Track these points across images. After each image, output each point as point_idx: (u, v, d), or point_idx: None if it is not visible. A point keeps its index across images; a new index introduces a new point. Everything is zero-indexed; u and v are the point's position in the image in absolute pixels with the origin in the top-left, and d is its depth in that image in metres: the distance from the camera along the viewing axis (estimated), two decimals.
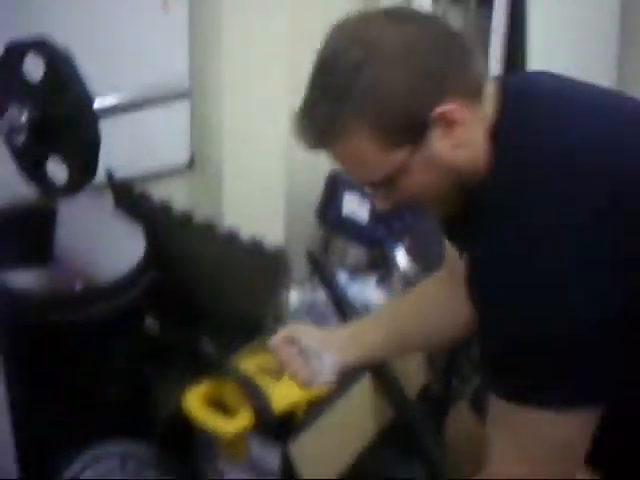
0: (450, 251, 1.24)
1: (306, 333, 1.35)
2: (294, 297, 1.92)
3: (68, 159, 1.35)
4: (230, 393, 1.68)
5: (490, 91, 1.00)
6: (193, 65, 2.21)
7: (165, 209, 1.79)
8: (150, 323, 2.16)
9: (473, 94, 0.97)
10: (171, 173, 2.24)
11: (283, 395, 1.59)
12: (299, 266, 1.98)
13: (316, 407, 1.67)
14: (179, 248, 1.80)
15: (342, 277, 1.97)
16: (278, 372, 1.73)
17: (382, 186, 1.01)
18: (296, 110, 0.99)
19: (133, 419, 1.89)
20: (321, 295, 1.92)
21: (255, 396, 1.62)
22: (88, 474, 1.65)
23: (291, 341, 1.32)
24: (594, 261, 0.88)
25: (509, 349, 0.93)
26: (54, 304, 1.61)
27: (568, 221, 0.90)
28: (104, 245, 1.81)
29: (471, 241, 1.01)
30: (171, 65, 2.17)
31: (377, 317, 1.40)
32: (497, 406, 0.98)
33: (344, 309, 1.85)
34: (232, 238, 1.70)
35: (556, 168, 0.93)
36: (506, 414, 0.97)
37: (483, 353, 0.99)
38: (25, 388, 1.67)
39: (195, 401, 1.64)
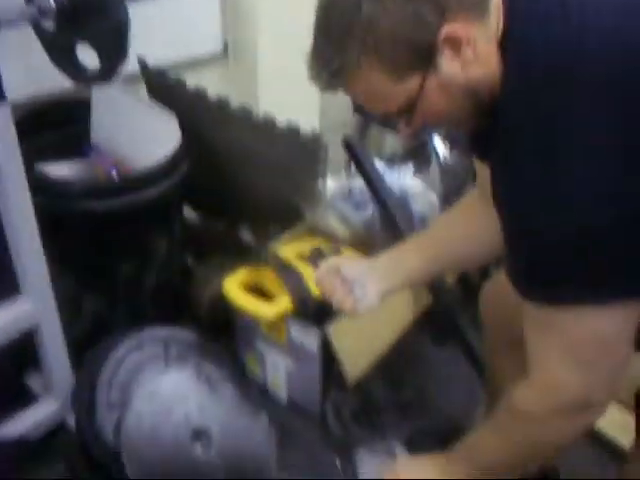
0: (480, 168, 1.23)
1: (348, 264, 1.35)
2: (331, 185, 1.91)
3: (98, 44, 1.32)
4: (269, 280, 1.71)
5: (495, 2, 0.96)
6: None
7: (200, 96, 1.77)
8: (189, 214, 2.19)
9: (477, 9, 0.94)
10: (205, 61, 2.20)
11: None
12: (336, 154, 1.96)
13: None
14: (215, 136, 1.79)
15: (379, 166, 1.94)
16: (318, 257, 1.76)
17: (401, 115, 1.02)
18: (307, 55, 0.99)
19: (176, 306, 1.93)
20: (358, 183, 1.90)
21: (294, 282, 1.65)
22: (133, 357, 1.70)
23: (334, 272, 1.33)
24: (603, 156, 0.86)
25: (533, 252, 0.94)
26: (93, 193, 1.62)
27: (578, 125, 0.87)
28: (140, 135, 1.81)
29: (491, 152, 1.01)
30: None
31: (415, 242, 1.40)
32: (533, 313, 0.99)
33: (382, 196, 1.83)
34: (268, 125, 1.68)
35: (566, 70, 0.90)
36: (544, 320, 0.98)
37: (510, 262, 0.99)
38: (70, 278, 1.72)
39: (235, 286, 1.67)
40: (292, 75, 2.19)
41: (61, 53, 1.42)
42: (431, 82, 0.96)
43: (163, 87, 1.86)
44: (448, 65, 0.95)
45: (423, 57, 0.95)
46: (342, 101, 1.33)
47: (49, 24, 1.31)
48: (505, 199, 0.98)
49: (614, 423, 1.70)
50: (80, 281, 1.73)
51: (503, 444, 1.11)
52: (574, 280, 0.92)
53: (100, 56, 1.34)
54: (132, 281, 1.77)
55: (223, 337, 1.90)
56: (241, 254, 1.91)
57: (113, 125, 1.85)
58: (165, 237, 1.83)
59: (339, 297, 1.31)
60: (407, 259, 1.34)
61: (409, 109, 1.00)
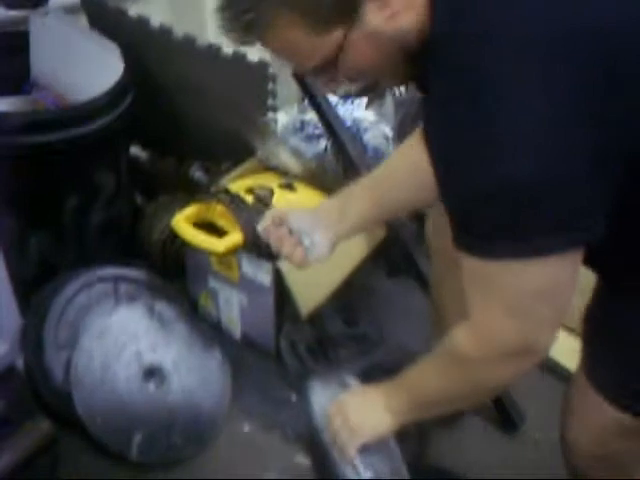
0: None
1: (293, 214, 1.32)
2: (282, 118, 1.87)
3: None
4: (219, 216, 1.67)
5: None
6: None
7: (143, 25, 1.69)
8: (139, 153, 2.13)
9: None
10: None
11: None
12: (288, 88, 1.91)
13: None
14: (159, 67, 1.73)
15: (332, 99, 1.90)
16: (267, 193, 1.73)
17: (322, 71, 0.95)
18: (216, 5, 0.90)
19: (125, 245, 1.89)
20: (310, 116, 1.86)
21: (244, 216, 1.61)
22: (81, 297, 1.66)
23: (280, 223, 1.30)
24: (532, 110, 0.82)
25: (462, 203, 0.90)
26: (33, 126, 1.55)
27: (508, 69, 0.83)
28: (81, 67, 1.74)
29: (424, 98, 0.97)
30: None
31: (362, 187, 1.36)
32: (469, 264, 0.96)
33: (334, 128, 1.79)
34: (213, 53, 1.62)
35: (493, 14, 0.85)
36: (480, 272, 0.95)
37: (445, 209, 0.96)
38: (14, 216, 1.66)
39: (184, 222, 1.63)
40: None
41: None
42: (354, 36, 0.90)
43: (104, 17, 1.78)
44: (373, 17, 0.88)
45: (345, 10, 0.88)
46: None
47: None
48: (432, 145, 0.94)
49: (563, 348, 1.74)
50: (25, 220, 1.67)
51: (443, 383, 1.11)
52: (507, 234, 0.89)
53: None
54: (78, 219, 1.71)
55: (174, 276, 1.87)
56: (192, 192, 1.87)
57: (53, 57, 1.77)
58: (111, 173, 1.77)
59: (288, 249, 1.27)
60: (354, 205, 1.30)
61: (330, 65, 0.93)
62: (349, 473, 1.20)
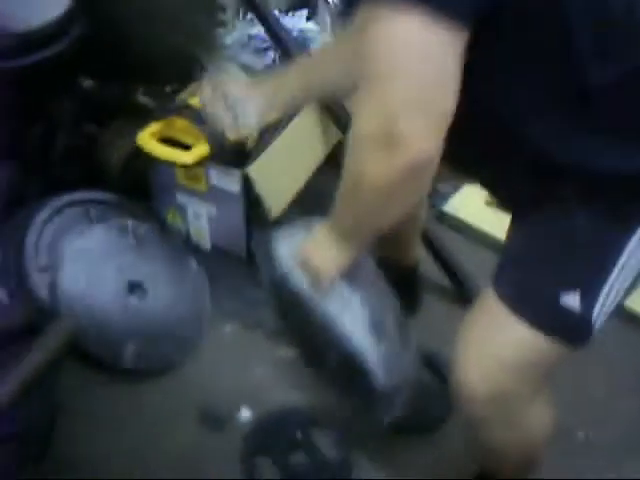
0: None
1: (231, 84, 1.38)
2: (229, 34, 1.91)
3: None
4: (181, 131, 1.72)
5: None
6: None
7: None
8: (87, 84, 2.13)
9: None
10: None
11: None
12: (231, 4, 1.95)
13: (266, 134, 1.75)
14: None
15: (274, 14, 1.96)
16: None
17: None
18: None
19: (85, 172, 1.92)
20: (256, 30, 1.91)
21: (208, 127, 1.67)
22: (55, 221, 1.71)
23: (219, 92, 1.38)
24: None
25: None
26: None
27: None
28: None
29: None
30: None
31: (293, 69, 1.43)
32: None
33: (282, 40, 1.85)
34: None
35: None
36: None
37: None
38: None
39: (150, 139, 1.68)
40: None
41: None
42: None
43: None
44: None
45: None
46: None
47: None
48: None
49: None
50: None
51: (342, 204, 1.09)
52: None
53: None
54: (42, 148, 1.74)
55: (136, 198, 1.91)
56: (140, 116, 1.90)
57: None
58: (68, 102, 1.79)
59: (221, 115, 1.36)
60: (289, 80, 1.39)
61: None
62: (332, 306, 1.20)
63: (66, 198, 1.75)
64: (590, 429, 1.62)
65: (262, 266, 1.35)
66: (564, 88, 1.00)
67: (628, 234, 1.08)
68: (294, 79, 1.39)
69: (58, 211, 1.73)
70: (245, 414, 1.59)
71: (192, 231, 1.88)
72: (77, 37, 1.68)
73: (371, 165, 0.97)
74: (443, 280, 1.90)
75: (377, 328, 1.20)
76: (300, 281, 1.22)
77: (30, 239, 1.65)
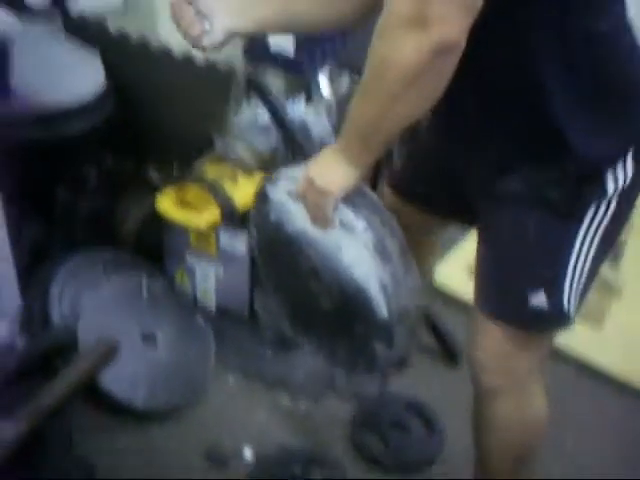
0: None
1: None
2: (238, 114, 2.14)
3: None
4: (195, 196, 1.93)
5: None
6: None
7: (122, 38, 1.94)
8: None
9: None
10: None
11: (242, 194, 1.87)
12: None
13: None
14: (134, 75, 1.97)
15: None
16: (234, 177, 2.00)
17: None
18: None
19: (104, 233, 2.10)
20: (261, 112, 2.14)
21: (220, 194, 1.88)
22: (78, 275, 1.87)
23: (189, 3, 1.38)
24: None
25: None
26: (28, 124, 1.76)
27: None
28: (63, 75, 1.95)
29: None
30: None
31: None
32: None
33: (286, 123, 2.08)
34: (187, 61, 1.88)
35: None
36: None
37: None
38: (11, 205, 1.85)
39: (169, 203, 1.88)
40: None
41: None
42: None
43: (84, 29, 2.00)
44: None
45: None
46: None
47: None
48: None
49: None
50: (20, 211, 1.87)
51: (359, 95, 1.12)
52: None
53: None
54: (68, 209, 1.93)
55: (148, 258, 2.09)
56: (151, 189, 2.10)
57: (36, 65, 1.96)
58: (93, 170, 2.00)
59: (187, 24, 1.37)
60: (258, 6, 1.44)
61: None
62: (336, 236, 1.19)
63: (87, 255, 1.93)
64: None
65: (253, 225, 1.35)
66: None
67: (577, 223, 1.18)
68: (265, 5, 1.44)
69: (79, 266, 1.90)
70: (248, 453, 1.73)
71: (199, 292, 2.05)
72: (107, 115, 1.90)
73: (400, 45, 1.01)
74: (431, 342, 2.09)
75: (382, 253, 1.18)
76: (297, 219, 1.22)
77: (54, 290, 1.82)
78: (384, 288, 1.17)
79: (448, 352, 2.06)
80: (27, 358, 1.59)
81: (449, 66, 1.03)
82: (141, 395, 1.76)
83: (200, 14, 1.36)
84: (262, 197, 1.29)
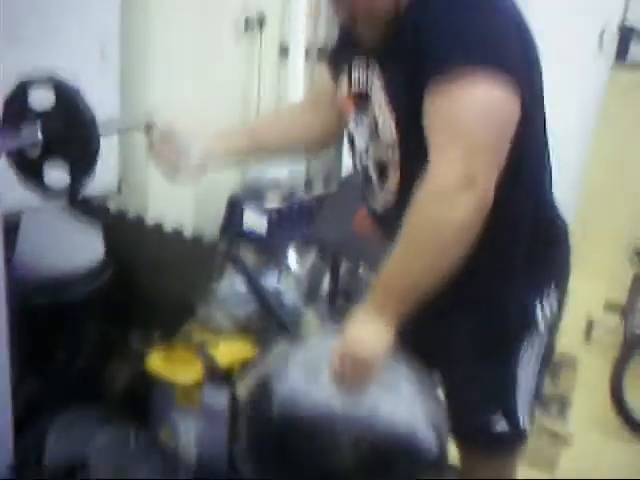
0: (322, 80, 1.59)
1: (180, 135, 1.56)
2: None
3: (70, 168, 1.71)
4: (182, 356, 2.13)
5: None
6: None
7: (120, 216, 2.22)
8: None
9: None
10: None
11: (223, 354, 2.10)
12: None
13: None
14: (132, 249, 2.23)
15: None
16: (216, 340, 2.22)
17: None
18: None
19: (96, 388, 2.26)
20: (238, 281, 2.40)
21: (205, 354, 2.10)
22: (72, 431, 2.03)
23: (168, 140, 1.57)
24: None
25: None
26: (38, 290, 1.99)
27: None
28: (65, 250, 2.20)
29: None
30: None
31: (242, 129, 1.69)
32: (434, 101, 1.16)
33: (263, 294, 2.33)
34: (176, 234, 2.16)
35: None
36: (441, 104, 1.14)
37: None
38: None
39: (158, 360, 2.08)
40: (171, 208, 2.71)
41: (33, 174, 1.77)
42: None
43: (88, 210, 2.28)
44: None
45: None
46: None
47: (36, 151, 1.71)
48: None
49: None
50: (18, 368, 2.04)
51: (404, 254, 1.17)
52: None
53: (72, 178, 1.73)
54: (64, 367, 2.12)
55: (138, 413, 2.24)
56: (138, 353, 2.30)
57: (40, 245, 2.21)
58: (89, 333, 2.21)
59: (162, 158, 1.55)
60: (234, 136, 1.63)
61: None
62: (384, 401, 1.21)
63: (80, 407, 2.10)
64: None
65: (245, 425, 1.48)
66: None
67: (517, 348, 1.34)
68: (241, 137, 1.63)
69: (74, 417, 2.06)
70: None
71: (180, 447, 2.19)
72: (104, 284, 2.15)
73: (457, 205, 1.10)
74: None
75: (424, 393, 1.23)
76: (313, 400, 1.24)
77: (50, 443, 1.97)
78: (434, 427, 1.25)
79: None
80: None
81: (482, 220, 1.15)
82: None
83: (179, 150, 1.55)
84: (263, 392, 1.38)
